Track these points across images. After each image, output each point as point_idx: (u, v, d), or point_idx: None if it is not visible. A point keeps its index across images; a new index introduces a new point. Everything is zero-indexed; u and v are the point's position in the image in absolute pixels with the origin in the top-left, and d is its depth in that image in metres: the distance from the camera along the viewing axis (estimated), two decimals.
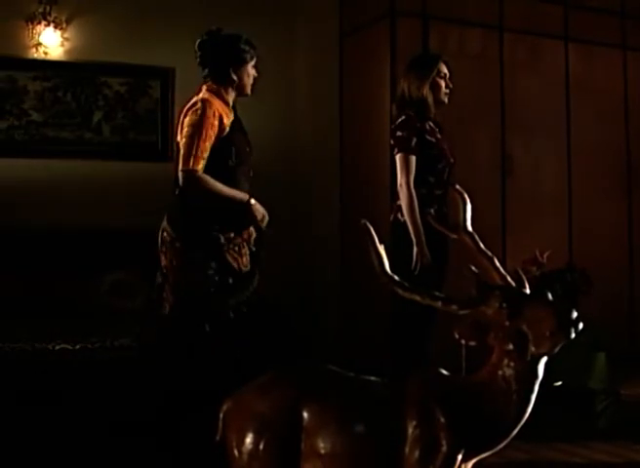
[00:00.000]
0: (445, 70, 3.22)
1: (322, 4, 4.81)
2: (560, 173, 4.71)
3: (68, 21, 4.38)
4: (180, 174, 2.65)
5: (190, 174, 2.62)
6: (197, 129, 2.63)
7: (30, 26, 4.30)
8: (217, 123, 2.65)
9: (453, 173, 3.22)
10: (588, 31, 4.75)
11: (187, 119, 2.68)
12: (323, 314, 4.57)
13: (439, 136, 3.19)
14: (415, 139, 3.08)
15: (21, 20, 4.30)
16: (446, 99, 3.22)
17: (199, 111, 2.64)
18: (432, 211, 3.06)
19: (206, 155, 2.63)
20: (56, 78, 4.37)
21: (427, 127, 3.16)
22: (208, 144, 2.63)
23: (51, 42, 4.33)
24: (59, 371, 3.11)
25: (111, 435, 2.92)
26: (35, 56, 4.32)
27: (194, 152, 2.61)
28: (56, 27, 4.32)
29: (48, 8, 4.29)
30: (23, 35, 4.31)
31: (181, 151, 2.65)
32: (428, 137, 3.13)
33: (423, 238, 2.98)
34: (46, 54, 4.33)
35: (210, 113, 2.64)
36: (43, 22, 4.29)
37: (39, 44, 4.30)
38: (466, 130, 4.26)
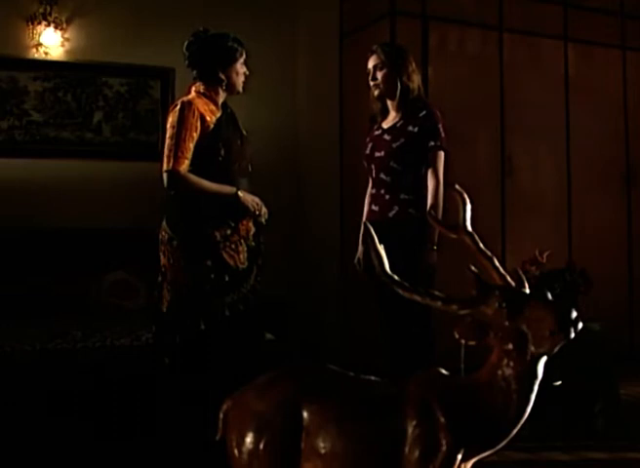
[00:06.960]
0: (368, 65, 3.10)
1: (322, 4, 4.81)
2: (559, 172, 4.71)
3: (69, 22, 4.39)
4: (163, 175, 2.67)
5: (173, 174, 2.64)
6: (177, 130, 2.65)
7: (31, 27, 4.31)
8: (198, 123, 2.66)
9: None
10: (588, 31, 4.75)
11: (169, 121, 2.71)
12: (323, 314, 4.57)
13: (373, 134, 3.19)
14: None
15: (22, 21, 4.32)
16: (375, 92, 3.09)
17: (177, 113, 2.67)
18: None
19: (189, 155, 2.65)
20: (56, 78, 4.38)
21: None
22: (190, 144, 2.65)
23: (51, 42, 4.34)
24: (59, 371, 3.11)
25: (111, 435, 2.93)
26: (36, 56, 4.33)
27: (176, 153, 2.63)
28: (56, 28, 4.33)
29: (48, 8, 4.30)
30: (24, 35, 4.32)
31: (165, 152, 2.67)
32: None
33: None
34: (46, 54, 4.34)
35: (188, 114, 2.65)
36: (43, 23, 4.30)
37: (39, 44, 4.32)
38: (466, 130, 4.26)
